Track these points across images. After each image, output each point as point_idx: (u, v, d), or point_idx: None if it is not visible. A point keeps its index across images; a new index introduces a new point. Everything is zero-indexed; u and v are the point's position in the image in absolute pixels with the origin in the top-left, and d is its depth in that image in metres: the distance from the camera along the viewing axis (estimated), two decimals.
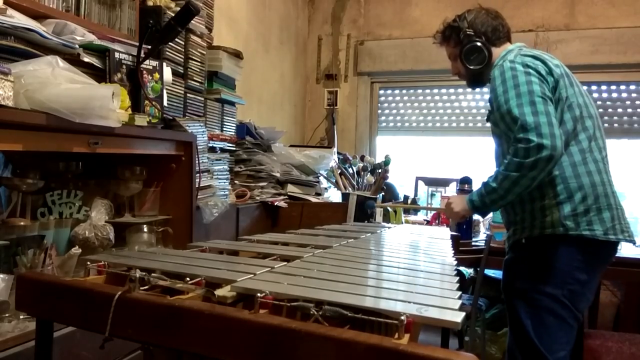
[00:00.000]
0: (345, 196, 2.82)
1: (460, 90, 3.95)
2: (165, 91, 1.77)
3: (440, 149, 4.08)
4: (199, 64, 2.12)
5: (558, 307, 1.60)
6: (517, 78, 1.58)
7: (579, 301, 1.62)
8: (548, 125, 1.48)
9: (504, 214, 1.82)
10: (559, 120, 1.57)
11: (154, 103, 1.66)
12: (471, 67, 1.79)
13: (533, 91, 1.54)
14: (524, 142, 1.49)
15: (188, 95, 2.05)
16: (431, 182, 3.72)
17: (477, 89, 3.89)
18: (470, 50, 1.77)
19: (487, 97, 4.00)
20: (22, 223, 1.35)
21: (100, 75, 1.50)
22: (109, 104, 1.23)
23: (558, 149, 1.48)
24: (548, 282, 1.61)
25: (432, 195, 3.66)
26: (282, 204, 2.66)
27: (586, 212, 1.59)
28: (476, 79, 1.87)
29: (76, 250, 1.37)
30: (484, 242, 2.63)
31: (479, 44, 1.76)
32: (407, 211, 3.33)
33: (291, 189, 2.80)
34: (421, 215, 3.42)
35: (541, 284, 1.61)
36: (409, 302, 0.75)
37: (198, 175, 1.78)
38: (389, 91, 4.21)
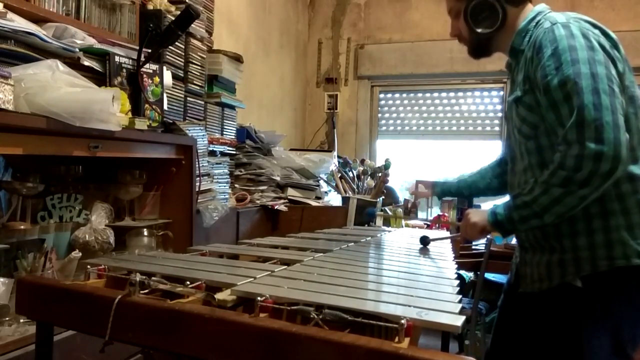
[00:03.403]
0: (346, 200, 2.82)
1: (460, 94, 3.96)
2: (165, 95, 1.77)
3: (440, 153, 4.08)
4: (199, 67, 2.13)
5: None
6: (576, 52, 1.13)
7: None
8: (613, 128, 1.06)
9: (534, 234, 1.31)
10: (624, 116, 1.12)
11: (154, 107, 1.66)
12: (478, 31, 1.33)
13: (597, 74, 1.11)
14: (576, 147, 1.08)
15: (188, 98, 2.05)
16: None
17: (477, 92, 4.04)
18: (478, 6, 1.32)
19: (487, 100, 4.04)
20: (22, 227, 1.35)
21: (100, 79, 1.50)
22: (109, 108, 1.23)
23: (622, 160, 1.06)
24: (629, 343, 1.17)
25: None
26: (282, 207, 2.67)
27: None
28: (482, 46, 1.40)
29: (76, 254, 1.37)
30: (484, 245, 2.63)
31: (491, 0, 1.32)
32: (407, 214, 3.32)
33: (291, 192, 2.81)
34: (421, 219, 3.41)
35: (622, 346, 1.17)
36: (409, 306, 0.75)
37: (198, 178, 1.78)
38: (389, 95, 4.22)
